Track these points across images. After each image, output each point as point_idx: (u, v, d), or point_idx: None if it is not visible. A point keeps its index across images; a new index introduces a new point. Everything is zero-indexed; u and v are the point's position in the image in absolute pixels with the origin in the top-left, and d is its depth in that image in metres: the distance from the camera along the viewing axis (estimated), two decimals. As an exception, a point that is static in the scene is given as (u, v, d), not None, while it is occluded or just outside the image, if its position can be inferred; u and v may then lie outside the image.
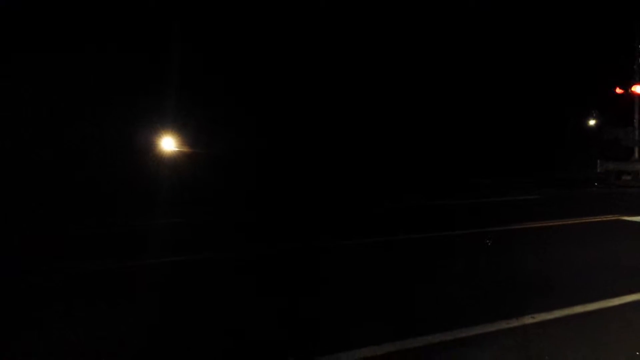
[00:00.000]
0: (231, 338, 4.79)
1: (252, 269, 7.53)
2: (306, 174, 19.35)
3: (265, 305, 5.74)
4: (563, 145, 27.20)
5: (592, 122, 27.60)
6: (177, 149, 19.56)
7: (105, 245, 9.48)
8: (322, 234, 10.25)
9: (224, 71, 21.16)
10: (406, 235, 9.87)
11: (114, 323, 5.20)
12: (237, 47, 21.68)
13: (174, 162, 19.02)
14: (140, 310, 5.64)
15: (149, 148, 18.85)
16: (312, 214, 13.26)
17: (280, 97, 21.69)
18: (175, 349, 4.56)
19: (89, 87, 17.91)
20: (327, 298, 5.94)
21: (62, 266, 7.66)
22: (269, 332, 4.90)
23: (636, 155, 25.29)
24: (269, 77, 21.74)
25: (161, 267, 7.68)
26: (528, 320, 5.03)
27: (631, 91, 25.25)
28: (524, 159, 24.76)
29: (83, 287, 6.66)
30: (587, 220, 11.16)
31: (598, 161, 22.97)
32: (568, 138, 27.75)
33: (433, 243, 9.21)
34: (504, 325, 4.91)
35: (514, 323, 4.95)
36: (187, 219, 12.51)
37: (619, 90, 25.62)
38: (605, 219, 11.31)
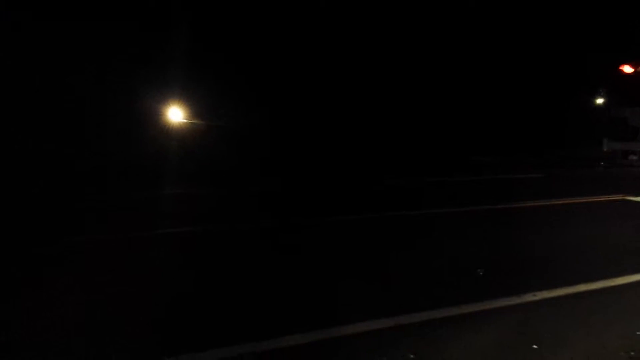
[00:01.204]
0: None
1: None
2: (311, 151, 19.28)
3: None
4: (570, 124, 26.95)
5: (599, 101, 27.32)
6: (185, 121, 19.47)
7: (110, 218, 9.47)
8: (323, 210, 10.20)
9: (233, 46, 20.94)
10: (407, 211, 9.84)
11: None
12: (248, 23, 21.40)
13: (181, 134, 18.95)
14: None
15: (155, 119, 18.73)
16: (316, 190, 13.23)
17: (285, 78, 21.51)
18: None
19: (92, 54, 17.73)
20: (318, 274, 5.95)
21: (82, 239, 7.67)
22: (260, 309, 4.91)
23: (643, 134, 25.08)
24: (276, 59, 21.58)
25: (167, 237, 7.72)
26: (529, 297, 5.01)
27: (639, 70, 24.93)
28: (529, 137, 24.54)
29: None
30: (592, 200, 11.09)
31: (604, 140, 22.76)
32: (575, 116, 27.49)
33: (433, 220, 9.18)
34: (505, 302, 4.90)
35: (515, 300, 4.94)
36: (185, 190, 12.51)
37: (627, 69, 25.30)
38: (610, 198, 11.24)
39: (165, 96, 18.99)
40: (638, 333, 4.27)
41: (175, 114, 19.37)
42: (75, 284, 5.54)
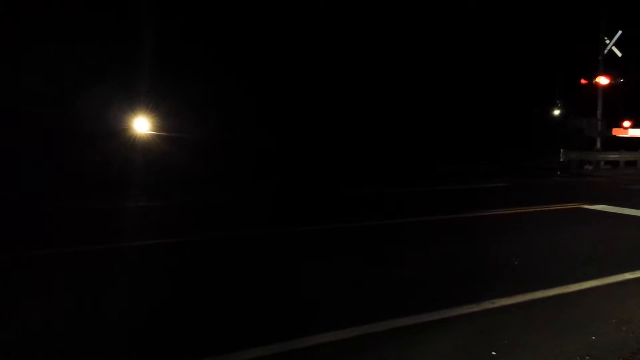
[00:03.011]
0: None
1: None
2: (274, 162, 19.13)
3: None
4: (529, 135, 27.63)
5: (556, 112, 28.12)
6: (151, 132, 19.02)
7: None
8: (281, 220, 10.14)
9: (202, 58, 20.74)
10: (369, 221, 9.89)
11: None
12: (216, 31, 21.24)
13: (146, 145, 18.48)
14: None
15: (120, 130, 18.27)
16: (277, 200, 13.18)
17: (255, 88, 21.39)
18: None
19: (55, 58, 17.29)
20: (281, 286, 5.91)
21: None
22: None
23: (598, 145, 25.89)
24: (243, 68, 21.47)
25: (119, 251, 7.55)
26: (488, 305, 5.07)
27: (595, 82, 25.78)
28: (491, 148, 25.04)
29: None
30: (549, 208, 11.35)
31: (561, 150, 23.44)
32: (534, 127, 28.19)
33: (396, 230, 9.24)
34: (465, 310, 4.95)
35: (475, 308, 4.99)
36: (132, 203, 12.08)
37: (583, 81, 26.13)
38: (567, 207, 11.53)
39: (132, 107, 18.58)
40: (594, 338, 4.36)
41: (142, 125, 18.91)
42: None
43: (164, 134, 19.04)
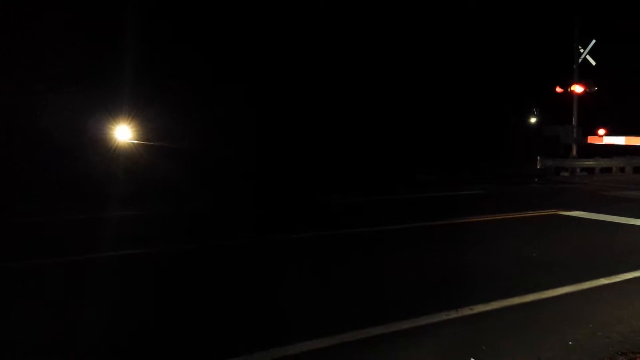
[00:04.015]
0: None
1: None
2: (255, 171, 18.99)
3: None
4: (507, 142, 27.97)
5: (533, 120, 28.50)
6: (134, 141, 18.66)
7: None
8: (257, 229, 10.09)
9: (185, 64, 20.57)
10: (348, 229, 9.90)
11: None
12: (202, 35, 21.05)
13: (127, 154, 18.10)
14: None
15: (101, 138, 17.89)
16: (256, 208, 13.14)
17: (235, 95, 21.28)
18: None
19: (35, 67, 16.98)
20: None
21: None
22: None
23: (574, 152, 26.28)
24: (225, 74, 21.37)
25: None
26: (466, 312, 5.11)
27: (570, 90, 26.18)
28: (469, 156, 25.26)
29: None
30: (526, 215, 11.47)
31: (538, 158, 23.74)
32: (511, 135, 28.54)
33: (374, 238, 9.26)
34: (443, 317, 4.97)
35: (453, 315, 5.02)
36: (113, 213, 11.93)
37: (559, 89, 26.53)
38: (543, 213, 11.66)
39: (113, 115, 18.24)
40: (570, 343, 4.41)
41: (123, 134, 18.54)
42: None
43: (145, 142, 18.76)
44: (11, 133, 16.17)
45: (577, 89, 26.00)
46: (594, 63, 26.09)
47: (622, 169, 24.76)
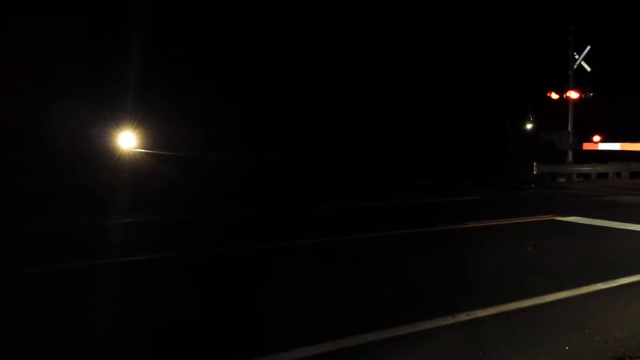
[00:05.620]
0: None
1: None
2: (257, 176, 18.84)
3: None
4: (504, 148, 28.00)
5: (529, 126, 28.49)
6: (137, 149, 18.42)
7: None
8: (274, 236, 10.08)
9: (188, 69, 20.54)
10: (349, 235, 9.87)
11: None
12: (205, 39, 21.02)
13: (131, 163, 17.87)
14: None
15: (105, 145, 17.68)
16: (259, 216, 13.12)
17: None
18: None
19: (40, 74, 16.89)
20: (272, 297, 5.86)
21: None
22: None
23: (570, 158, 26.35)
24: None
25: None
26: (464, 317, 5.09)
27: (566, 96, 26.28)
28: (467, 162, 25.23)
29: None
30: (524, 220, 11.47)
31: (534, 163, 23.78)
32: (508, 141, 28.56)
33: (373, 244, 9.23)
34: (440, 322, 4.95)
35: (450, 320, 5.00)
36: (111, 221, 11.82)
37: (554, 96, 26.61)
38: (540, 218, 11.67)
39: (118, 123, 18.06)
40: (567, 348, 4.39)
41: (128, 141, 18.30)
42: None
43: (150, 150, 18.55)
44: (16, 140, 16.05)
45: (573, 95, 26.10)
46: (589, 69, 26.21)
47: (618, 175, 24.85)
